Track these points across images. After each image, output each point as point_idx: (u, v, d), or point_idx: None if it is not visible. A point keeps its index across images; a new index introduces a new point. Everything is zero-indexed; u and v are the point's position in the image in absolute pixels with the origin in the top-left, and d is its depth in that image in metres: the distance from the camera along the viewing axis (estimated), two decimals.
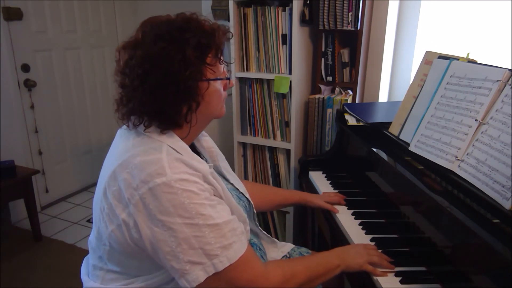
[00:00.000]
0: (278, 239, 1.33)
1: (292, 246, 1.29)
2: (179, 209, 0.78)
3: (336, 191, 1.48)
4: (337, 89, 2.00)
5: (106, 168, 0.90)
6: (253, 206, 1.12)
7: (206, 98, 0.89)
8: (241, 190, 1.10)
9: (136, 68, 0.84)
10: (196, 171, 0.84)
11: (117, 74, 0.90)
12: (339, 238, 1.23)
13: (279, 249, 1.25)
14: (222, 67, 0.94)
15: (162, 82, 0.83)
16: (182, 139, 0.90)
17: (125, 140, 0.90)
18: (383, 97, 2.11)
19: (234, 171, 1.17)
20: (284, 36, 1.90)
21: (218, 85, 0.93)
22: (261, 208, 1.34)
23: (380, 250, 1.08)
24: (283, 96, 1.99)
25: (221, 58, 0.93)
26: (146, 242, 0.81)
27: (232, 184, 1.09)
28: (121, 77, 0.89)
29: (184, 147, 0.89)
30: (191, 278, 0.79)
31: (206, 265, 0.79)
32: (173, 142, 0.87)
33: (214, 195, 0.87)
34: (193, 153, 0.91)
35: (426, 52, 1.32)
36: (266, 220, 2.27)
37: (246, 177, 2.24)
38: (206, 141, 1.09)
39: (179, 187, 0.79)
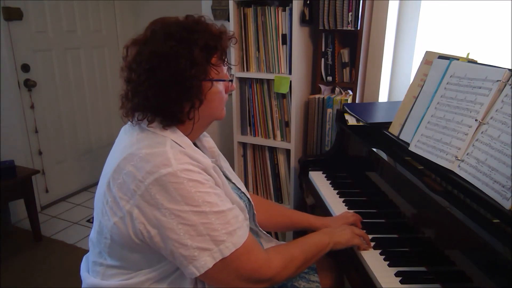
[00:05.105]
0: (278, 239, 1.32)
1: None
2: (186, 198, 0.81)
3: (336, 191, 1.48)
4: (337, 89, 2.00)
5: (109, 163, 0.92)
6: (253, 207, 1.12)
7: (208, 97, 0.92)
8: (242, 189, 1.11)
9: (143, 63, 0.87)
10: (199, 163, 0.86)
11: (124, 70, 0.92)
12: None
13: None
14: (225, 70, 0.98)
15: (168, 78, 0.86)
16: (186, 136, 0.93)
17: (129, 135, 0.92)
18: (383, 97, 2.11)
19: (234, 171, 1.17)
20: (284, 36, 1.90)
21: (221, 86, 0.96)
22: (268, 228, 1.27)
23: (380, 250, 1.08)
24: (283, 96, 1.99)
25: (225, 60, 0.97)
26: (153, 232, 0.82)
27: (234, 183, 1.10)
28: (128, 72, 0.91)
29: (187, 142, 0.91)
30: (199, 264, 0.81)
31: (213, 251, 0.82)
32: (177, 137, 0.90)
33: (217, 185, 0.90)
34: (196, 148, 0.94)
35: (426, 52, 1.32)
36: None
37: (246, 177, 2.24)
38: (208, 141, 1.11)
39: (185, 176, 0.81)
